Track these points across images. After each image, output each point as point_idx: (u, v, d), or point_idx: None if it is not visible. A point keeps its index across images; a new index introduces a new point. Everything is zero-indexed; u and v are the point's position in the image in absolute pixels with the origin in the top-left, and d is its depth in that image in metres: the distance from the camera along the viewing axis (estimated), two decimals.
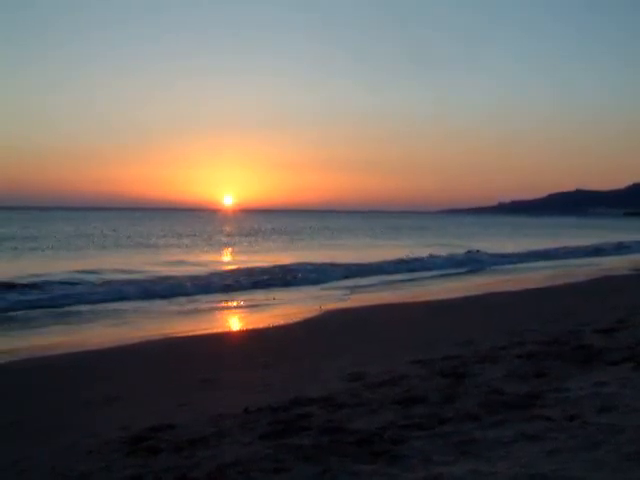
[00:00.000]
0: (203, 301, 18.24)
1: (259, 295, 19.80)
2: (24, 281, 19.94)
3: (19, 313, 15.57)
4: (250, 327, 13.97)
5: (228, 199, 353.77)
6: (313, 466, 4.50)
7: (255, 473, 4.42)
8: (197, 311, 16.42)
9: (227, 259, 38.92)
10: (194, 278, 22.71)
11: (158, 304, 17.49)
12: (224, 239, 60.29)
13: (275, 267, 26.55)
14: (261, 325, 13.84)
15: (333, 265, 27.88)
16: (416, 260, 31.97)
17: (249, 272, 25.01)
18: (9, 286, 18.75)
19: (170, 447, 5.20)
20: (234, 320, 15.65)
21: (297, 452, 4.78)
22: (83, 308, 16.53)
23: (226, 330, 14.00)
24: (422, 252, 35.47)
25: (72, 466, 4.95)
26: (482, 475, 4.14)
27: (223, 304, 18.04)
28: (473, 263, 32.52)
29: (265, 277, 23.83)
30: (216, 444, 5.19)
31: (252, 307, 17.29)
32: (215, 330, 13.39)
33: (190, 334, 12.66)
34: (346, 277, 24.98)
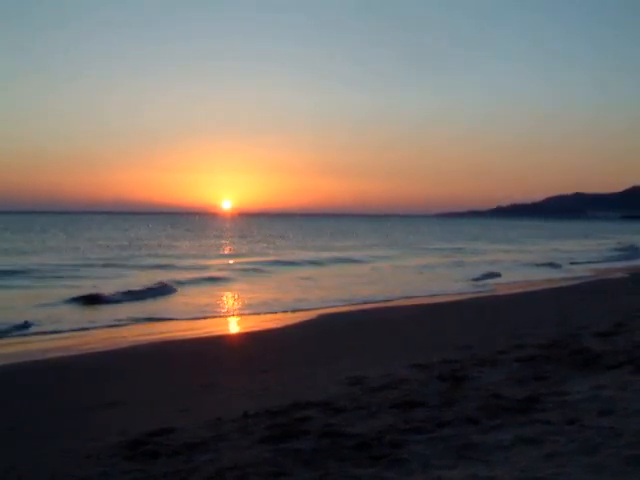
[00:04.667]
0: None
1: None
2: None
3: None
4: (248, 331, 13.96)
5: (227, 203, 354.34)
6: (312, 470, 4.50)
7: (254, 477, 4.41)
8: None
9: None
10: None
11: None
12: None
13: None
14: (259, 329, 13.84)
15: None
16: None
17: None
18: None
19: (169, 451, 5.19)
20: (232, 324, 15.62)
21: (296, 456, 4.78)
22: None
23: (224, 334, 13.99)
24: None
25: (71, 471, 4.94)
26: (481, 479, 4.14)
27: None
28: None
29: None
30: (215, 448, 5.19)
31: None
32: (213, 334, 13.38)
33: (188, 338, 12.65)
34: None
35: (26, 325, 13.51)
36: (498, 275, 27.26)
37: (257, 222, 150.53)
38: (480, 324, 13.03)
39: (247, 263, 34.00)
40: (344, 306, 17.57)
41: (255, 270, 30.43)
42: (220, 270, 30.33)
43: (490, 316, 14.51)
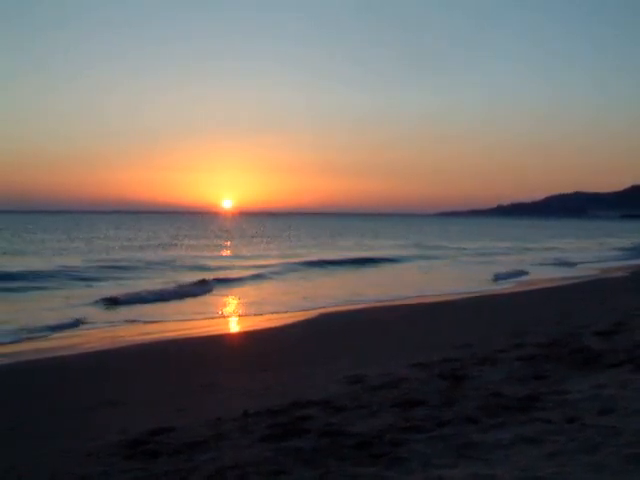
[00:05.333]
0: None
1: None
2: None
3: None
4: (248, 330, 13.95)
5: (228, 202, 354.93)
6: (313, 469, 4.49)
7: (255, 476, 4.41)
8: None
9: None
10: None
11: None
12: None
13: None
14: (259, 328, 13.84)
15: None
16: None
17: None
18: None
19: (169, 450, 5.19)
20: (232, 323, 15.62)
21: (297, 455, 4.78)
22: None
23: (224, 333, 13.98)
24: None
25: (71, 470, 4.94)
26: (481, 478, 4.14)
27: None
28: None
29: None
30: (215, 447, 5.19)
31: None
32: (213, 333, 13.37)
33: (188, 337, 12.65)
34: None
35: (76, 323, 14.01)
36: (525, 273, 27.25)
37: (261, 221, 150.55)
38: (480, 323, 13.03)
39: (285, 264, 32.83)
40: (344, 305, 17.56)
41: (291, 270, 30.10)
42: (256, 269, 29.63)
43: (489, 315, 14.50)
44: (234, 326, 15.18)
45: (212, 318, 15.66)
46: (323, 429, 5.42)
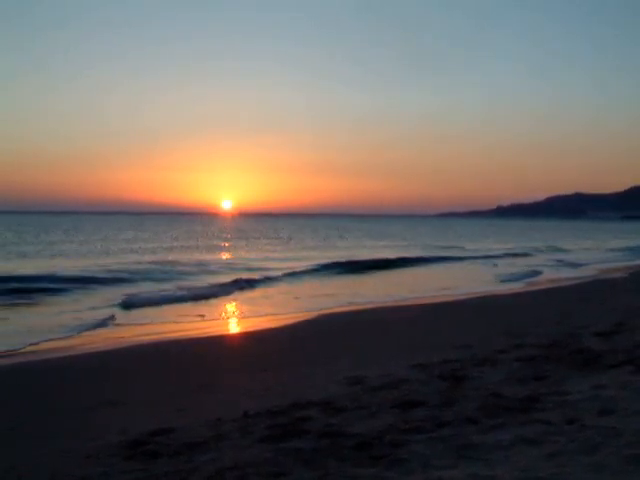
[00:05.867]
0: None
1: None
2: None
3: None
4: (248, 330, 13.95)
5: (227, 203, 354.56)
6: (312, 470, 4.49)
7: (254, 477, 4.41)
8: None
9: None
10: None
11: None
12: None
13: None
14: (259, 328, 13.83)
15: None
16: None
17: None
18: None
19: (169, 451, 5.19)
20: (232, 323, 15.61)
21: (296, 456, 4.78)
22: None
23: (224, 333, 13.97)
24: None
25: (71, 471, 4.94)
26: (481, 479, 4.14)
27: None
28: None
29: None
30: (215, 448, 5.19)
31: None
32: (213, 333, 13.37)
33: (188, 337, 12.64)
34: None
35: (112, 318, 14.94)
36: (529, 274, 27.25)
37: (261, 222, 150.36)
38: (480, 323, 13.02)
39: (305, 265, 31.62)
40: (345, 306, 17.54)
41: (312, 272, 29.58)
42: (277, 271, 28.69)
43: (489, 315, 14.49)
44: (232, 326, 15.16)
45: (216, 319, 15.65)
46: (323, 430, 5.42)
